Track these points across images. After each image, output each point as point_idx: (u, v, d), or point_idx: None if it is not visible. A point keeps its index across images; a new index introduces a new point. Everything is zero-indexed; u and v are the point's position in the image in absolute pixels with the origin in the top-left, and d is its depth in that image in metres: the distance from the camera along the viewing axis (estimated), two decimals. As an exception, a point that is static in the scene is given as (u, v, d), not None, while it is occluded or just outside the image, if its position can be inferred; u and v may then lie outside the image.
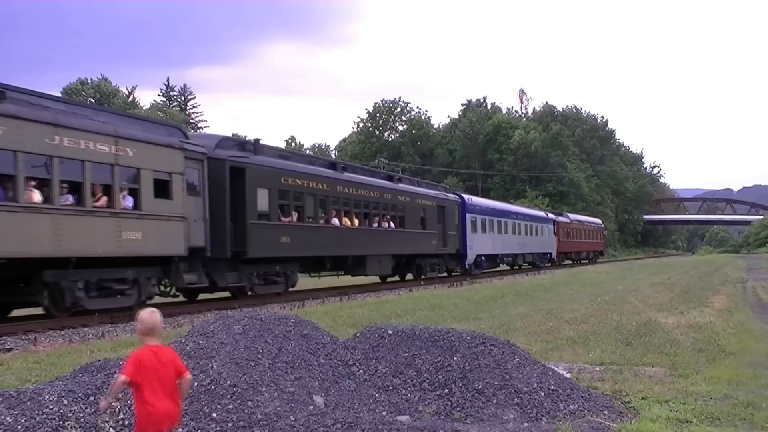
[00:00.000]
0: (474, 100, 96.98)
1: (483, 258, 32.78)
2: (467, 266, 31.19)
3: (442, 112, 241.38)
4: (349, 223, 21.22)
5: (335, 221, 20.51)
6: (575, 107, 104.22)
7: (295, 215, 18.60)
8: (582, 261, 55.04)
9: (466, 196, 33.20)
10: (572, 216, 55.61)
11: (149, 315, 3.81)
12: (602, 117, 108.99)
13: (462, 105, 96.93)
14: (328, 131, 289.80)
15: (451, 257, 29.86)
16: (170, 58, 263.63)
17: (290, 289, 19.14)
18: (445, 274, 30.95)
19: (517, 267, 40.15)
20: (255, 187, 16.90)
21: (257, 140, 18.40)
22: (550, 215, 48.55)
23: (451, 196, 31.10)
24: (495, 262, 35.76)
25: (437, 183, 33.50)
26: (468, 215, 31.41)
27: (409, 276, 27.05)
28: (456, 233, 29.78)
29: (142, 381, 3.58)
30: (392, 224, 24.09)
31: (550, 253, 46.19)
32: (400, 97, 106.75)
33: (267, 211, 17.35)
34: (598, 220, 65.12)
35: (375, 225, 22.98)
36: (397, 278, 26.72)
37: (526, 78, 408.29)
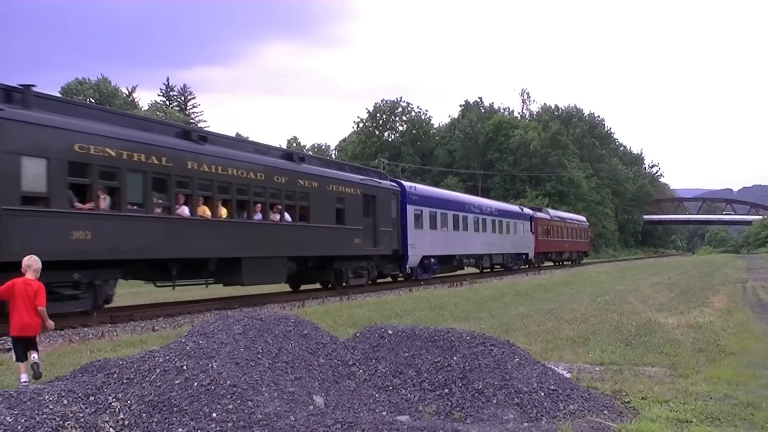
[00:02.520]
0: (471, 101, 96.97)
1: (432, 260, 27.38)
2: (409, 270, 25.82)
3: (439, 112, 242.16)
4: (209, 213, 15.38)
5: (183, 210, 14.72)
6: (575, 107, 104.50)
7: (104, 200, 13.14)
8: (564, 262, 49.49)
9: (407, 184, 26.91)
10: (553, 212, 50.12)
11: (28, 257, 6.04)
12: (598, 116, 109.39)
13: (460, 106, 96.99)
14: (326, 131, 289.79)
15: (385, 259, 24.07)
16: (169, 58, 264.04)
17: (106, 306, 14.12)
18: (386, 279, 25.98)
19: (488, 269, 35.78)
20: (15, 153, 11.52)
21: (28, 86, 12.42)
22: (527, 210, 43.15)
23: (386, 183, 24.66)
24: (452, 264, 30.31)
25: (367, 167, 26.01)
26: (410, 208, 25.58)
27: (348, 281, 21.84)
28: (393, 230, 24.06)
29: (13, 299, 5.78)
30: (288, 216, 18.19)
31: (527, 254, 40.79)
32: (401, 97, 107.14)
33: (43, 191, 11.99)
34: (582, 218, 60.26)
35: (258, 217, 17.03)
36: (319, 286, 21.91)
37: (526, 78, 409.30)
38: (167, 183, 14.49)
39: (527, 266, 40.71)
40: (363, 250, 21.81)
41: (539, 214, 44.65)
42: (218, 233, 15.68)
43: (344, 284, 21.28)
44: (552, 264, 46.89)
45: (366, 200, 22.32)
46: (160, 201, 14.36)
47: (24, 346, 5.94)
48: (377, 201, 23.00)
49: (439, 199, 29.57)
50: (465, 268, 32.24)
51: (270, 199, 17.53)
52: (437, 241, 27.95)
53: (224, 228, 15.94)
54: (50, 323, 6.05)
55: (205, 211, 15.35)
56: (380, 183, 23.94)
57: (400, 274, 26.20)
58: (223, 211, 15.99)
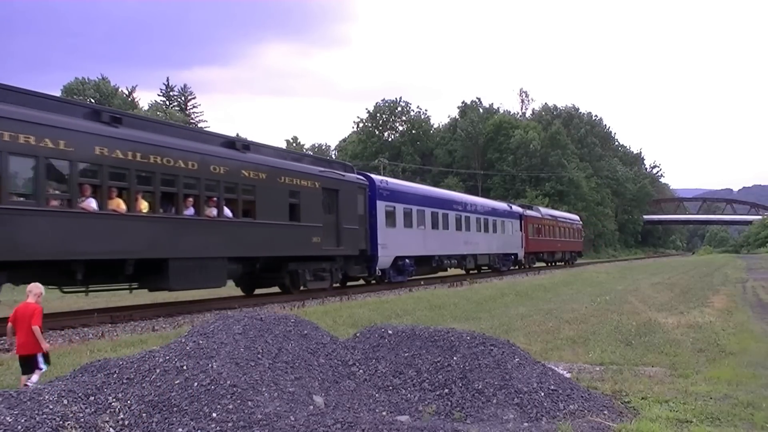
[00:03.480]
0: (469, 102, 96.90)
1: (408, 261, 25.11)
2: (379, 272, 23.52)
3: (438, 112, 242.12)
4: (124, 206, 13.39)
5: (89, 203, 12.70)
6: (574, 107, 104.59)
7: None
8: (557, 263, 47.23)
9: (377, 178, 24.68)
10: (544, 210, 47.86)
11: (32, 284, 6.46)
12: (596, 116, 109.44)
13: (458, 107, 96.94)
14: (326, 131, 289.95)
15: (351, 260, 21.85)
16: (169, 58, 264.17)
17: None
18: (358, 282, 23.89)
19: (474, 271, 33.75)
20: None
21: None
22: (516, 208, 40.46)
23: (351, 176, 22.24)
24: (430, 265, 27.92)
25: (331, 159, 22.57)
26: (381, 204, 23.38)
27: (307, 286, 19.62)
28: (360, 227, 21.85)
29: (16, 322, 6.26)
30: (228, 212, 16.06)
31: (516, 254, 38.41)
32: (401, 97, 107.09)
33: None
34: (576, 217, 57.56)
35: (189, 212, 14.98)
36: (276, 290, 19.86)
37: (525, 78, 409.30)
38: (68, 171, 12.40)
39: (517, 267, 38.72)
40: (323, 250, 19.59)
41: (529, 212, 42.50)
42: (136, 230, 13.52)
43: (302, 288, 19.23)
44: (544, 265, 44.91)
45: (327, 195, 20.06)
46: (57, 192, 12.38)
47: (26, 364, 6.34)
48: (340, 196, 20.72)
49: (416, 195, 27.11)
50: (449, 269, 30.33)
51: (205, 191, 15.34)
52: (413, 241, 25.73)
53: (144, 224, 13.79)
54: (45, 345, 6.29)
55: (119, 204, 13.28)
56: (344, 176, 21.47)
57: (369, 277, 23.81)
58: (144, 205, 13.92)
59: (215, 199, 15.65)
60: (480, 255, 32.83)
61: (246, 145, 17.74)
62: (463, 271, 32.73)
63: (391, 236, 23.72)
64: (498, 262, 35.29)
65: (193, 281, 15.17)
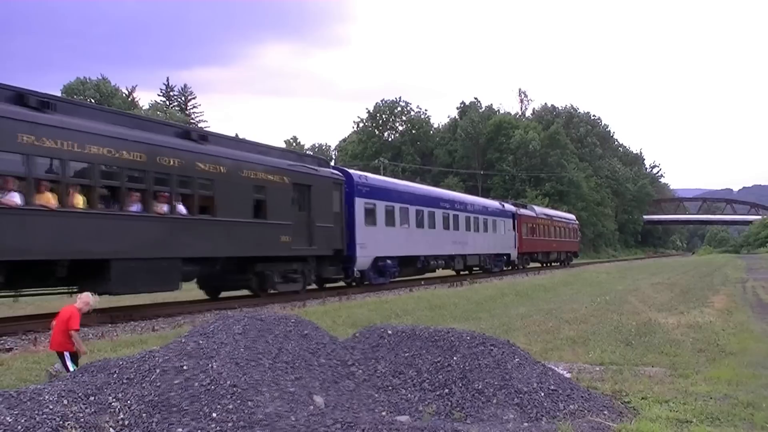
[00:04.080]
0: (468, 102, 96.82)
1: (390, 261, 23.70)
2: (357, 273, 22.13)
3: (437, 112, 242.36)
4: (54, 201, 12.09)
5: (12, 197, 11.51)
6: (574, 107, 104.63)
7: None
8: (552, 263, 45.89)
9: (356, 174, 23.40)
10: (539, 209, 46.54)
11: (85, 292, 7.02)
12: (596, 116, 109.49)
13: (457, 108, 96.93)
14: (326, 131, 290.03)
15: (326, 261, 20.41)
16: (169, 59, 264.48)
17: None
18: (338, 284, 22.52)
19: (465, 272, 32.59)
20: None
21: None
22: (509, 207, 39.13)
23: (325, 171, 20.87)
24: (416, 266, 26.50)
25: (304, 153, 20.64)
26: (359, 201, 22.07)
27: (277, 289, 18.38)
28: (336, 226, 20.51)
29: (56, 321, 6.66)
30: (182, 208, 14.79)
31: (508, 255, 37.02)
32: (400, 97, 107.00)
33: None
34: (572, 216, 56.36)
35: (135, 208, 13.70)
36: (245, 293, 18.44)
37: (525, 78, 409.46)
38: None
39: (510, 268, 37.42)
40: (293, 250, 18.21)
41: (523, 211, 41.26)
42: (68, 228, 12.20)
43: (271, 291, 18.14)
44: (539, 265, 43.43)
45: (298, 190, 18.70)
46: None
47: (60, 359, 6.63)
48: (313, 192, 19.30)
49: (399, 192, 25.53)
50: (437, 270, 29.10)
51: (155, 186, 14.05)
52: (395, 240, 24.26)
53: (77, 221, 12.41)
54: (82, 349, 6.63)
55: (48, 199, 12.00)
56: (317, 170, 20.00)
57: (346, 279, 22.39)
58: (80, 200, 12.59)
59: (166, 194, 14.38)
60: (470, 255, 31.58)
61: (203, 136, 16.38)
62: (453, 272, 31.80)
63: (370, 235, 22.44)
64: (489, 263, 34.02)
65: (139, 284, 13.96)
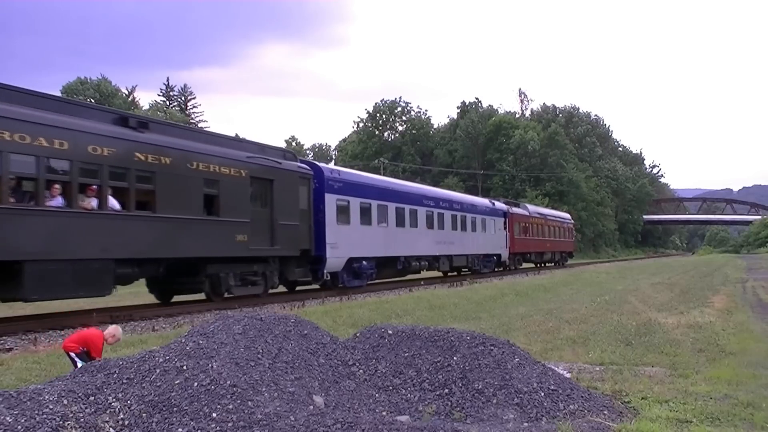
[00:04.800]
0: (468, 102, 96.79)
1: (365, 263, 22.10)
2: (327, 275, 20.29)
3: (437, 112, 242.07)
4: None
5: None
6: (574, 106, 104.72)
7: None
8: (546, 264, 44.62)
9: (327, 168, 21.81)
10: (532, 208, 44.93)
11: (116, 326, 7.00)
12: (596, 116, 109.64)
13: (457, 108, 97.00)
14: (326, 132, 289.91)
15: (292, 262, 18.80)
16: (169, 59, 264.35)
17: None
18: (313, 287, 21.05)
19: (453, 273, 31.32)
20: None
21: None
22: (500, 205, 37.56)
23: (290, 164, 18.96)
24: (395, 267, 24.79)
25: (262, 144, 19.20)
26: (330, 197, 20.48)
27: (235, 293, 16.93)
28: (302, 224, 18.80)
29: (78, 335, 6.78)
30: (115, 203, 13.30)
31: (499, 255, 35.41)
32: (400, 97, 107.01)
33: None
34: (567, 215, 54.93)
35: (56, 202, 12.18)
36: (200, 297, 16.97)
37: (524, 78, 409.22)
38: None
39: (502, 269, 36.04)
40: (251, 250, 16.67)
41: (516, 210, 39.69)
42: None
43: (227, 295, 16.77)
44: (533, 266, 42.03)
45: (258, 185, 17.19)
46: None
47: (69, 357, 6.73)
48: (276, 187, 17.73)
49: (377, 189, 23.83)
50: (420, 271, 27.55)
51: (80, 177, 12.51)
52: (372, 240, 22.72)
53: None
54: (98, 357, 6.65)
55: None
56: (281, 164, 18.27)
57: (316, 282, 20.53)
58: None
59: (95, 187, 12.82)
60: (456, 256, 29.83)
61: (143, 123, 14.53)
62: (441, 273, 30.59)
63: (343, 234, 20.88)
64: (478, 264, 32.41)
65: (61, 289, 12.37)
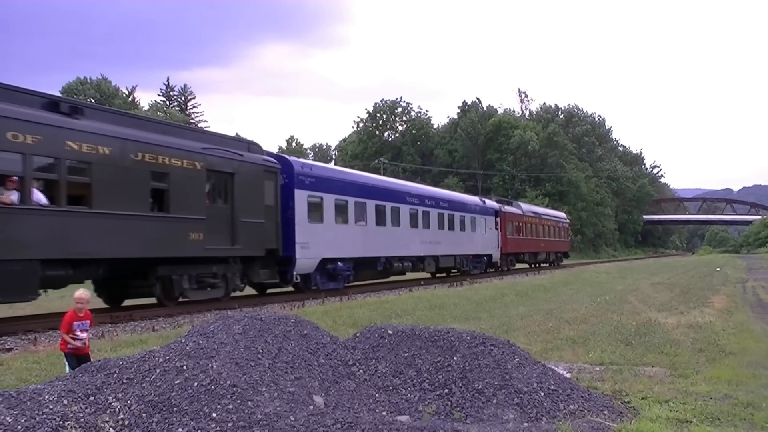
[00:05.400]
0: (469, 102, 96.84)
1: (342, 264, 20.70)
2: (297, 278, 18.96)
3: (437, 112, 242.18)
4: None
5: None
6: (575, 106, 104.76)
7: None
8: (540, 264, 43.39)
9: (298, 162, 20.38)
10: (526, 206, 43.48)
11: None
12: (596, 116, 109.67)
13: (458, 108, 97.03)
14: (326, 132, 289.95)
15: (256, 263, 17.41)
16: (168, 59, 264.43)
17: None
18: (287, 289, 19.73)
19: (443, 274, 30.08)
20: None
21: None
22: (491, 204, 36.01)
23: (254, 156, 17.47)
24: (375, 268, 23.40)
25: (226, 135, 18.63)
26: (301, 193, 19.05)
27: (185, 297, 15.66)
28: (268, 222, 17.40)
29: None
30: (42, 197, 11.98)
31: (490, 256, 33.98)
32: (401, 97, 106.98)
33: None
34: (562, 214, 53.68)
35: None
36: (155, 301, 15.57)
37: (524, 78, 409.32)
38: None
39: (494, 270, 34.81)
40: (207, 250, 15.27)
41: (508, 209, 38.31)
42: None
43: (180, 299, 15.52)
44: (527, 267, 40.95)
45: (216, 179, 15.91)
46: None
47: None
48: (237, 181, 16.32)
49: (354, 185, 22.35)
50: (405, 272, 26.16)
51: None
52: (349, 240, 21.36)
53: None
54: (77, 344, 6.50)
55: None
56: (242, 156, 16.75)
57: (284, 284, 19.20)
58: None
59: (15, 178, 11.38)
60: (443, 257, 28.41)
61: (77, 109, 12.99)
62: (428, 275, 29.27)
63: (315, 233, 19.38)
64: (467, 265, 31.00)
65: None
